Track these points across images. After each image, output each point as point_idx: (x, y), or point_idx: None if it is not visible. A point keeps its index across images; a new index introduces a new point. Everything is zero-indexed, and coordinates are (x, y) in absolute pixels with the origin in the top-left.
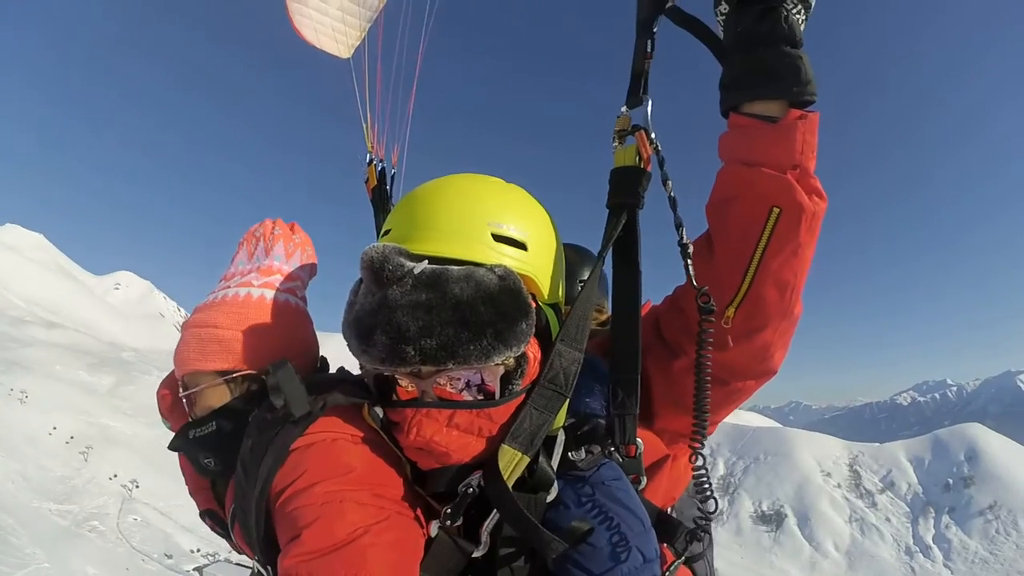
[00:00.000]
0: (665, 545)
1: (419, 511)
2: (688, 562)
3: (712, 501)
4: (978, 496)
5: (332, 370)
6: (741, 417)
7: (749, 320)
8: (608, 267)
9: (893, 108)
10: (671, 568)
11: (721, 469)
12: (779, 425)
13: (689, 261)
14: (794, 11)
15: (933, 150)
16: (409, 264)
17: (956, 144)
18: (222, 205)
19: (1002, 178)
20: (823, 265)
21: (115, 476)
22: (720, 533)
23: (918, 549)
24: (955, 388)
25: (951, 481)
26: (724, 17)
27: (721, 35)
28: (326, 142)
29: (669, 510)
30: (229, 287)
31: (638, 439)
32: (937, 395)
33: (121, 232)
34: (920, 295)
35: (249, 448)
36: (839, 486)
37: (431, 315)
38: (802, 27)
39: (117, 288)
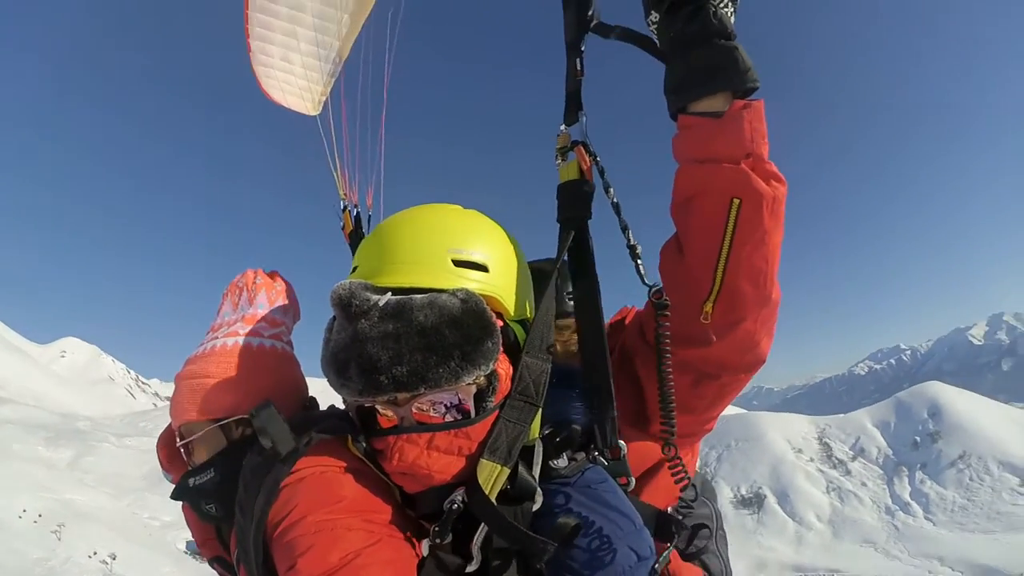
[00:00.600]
0: (669, 544)
1: (410, 533)
2: (697, 556)
3: (691, 489)
4: (947, 449)
5: (323, 407)
6: None
7: (728, 313)
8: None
9: (815, 82)
10: (661, 559)
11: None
12: (745, 411)
13: (639, 262)
14: (721, 6)
15: (863, 118)
16: (374, 297)
17: (886, 109)
18: (166, 261)
19: (931, 143)
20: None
21: (94, 554)
22: None
23: (898, 507)
24: (909, 352)
25: (918, 439)
26: (656, 25)
27: (658, 44)
28: (300, 185)
29: (670, 509)
30: (217, 337)
31: (620, 442)
32: (892, 361)
33: (62, 297)
34: (865, 267)
35: (244, 490)
36: (812, 460)
37: (399, 344)
38: (732, 19)
39: (63, 356)
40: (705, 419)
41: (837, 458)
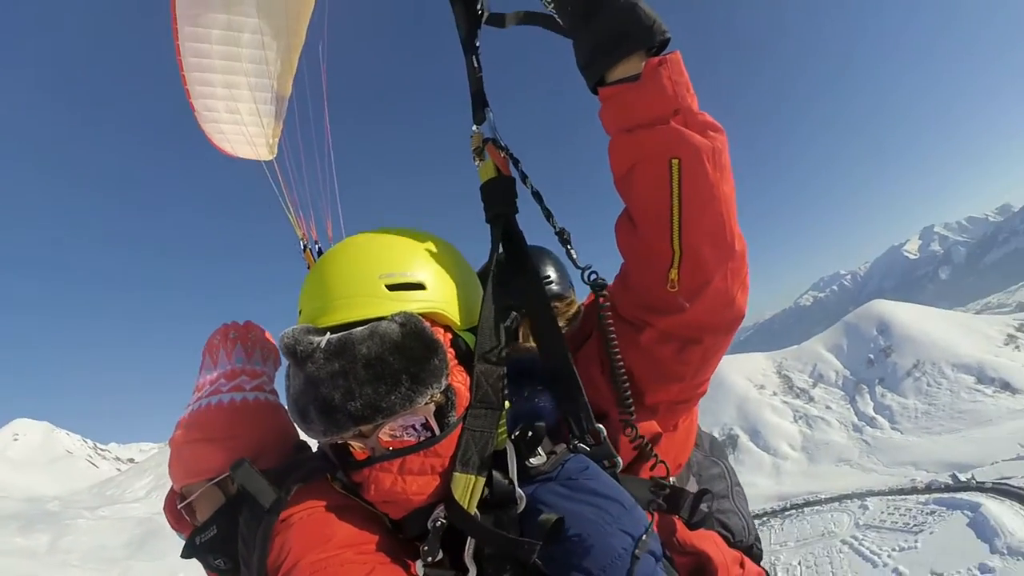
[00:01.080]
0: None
1: (404, 557)
2: (705, 520)
3: (661, 466)
4: (901, 360)
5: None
6: None
7: (695, 276)
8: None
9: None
10: (647, 528)
11: None
12: None
13: (569, 247)
14: None
15: (771, 38)
16: (316, 339)
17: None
18: (104, 316)
19: (837, 62)
20: None
21: None
22: None
23: (864, 423)
24: (849, 276)
25: (872, 356)
26: (553, 5)
27: (560, 23)
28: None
29: (673, 480)
30: (201, 399)
31: (598, 425)
32: (835, 287)
33: (2, 379)
34: (794, 198)
35: (243, 545)
36: (775, 394)
37: (348, 380)
38: None
39: (16, 439)
40: (696, 384)
41: (799, 387)
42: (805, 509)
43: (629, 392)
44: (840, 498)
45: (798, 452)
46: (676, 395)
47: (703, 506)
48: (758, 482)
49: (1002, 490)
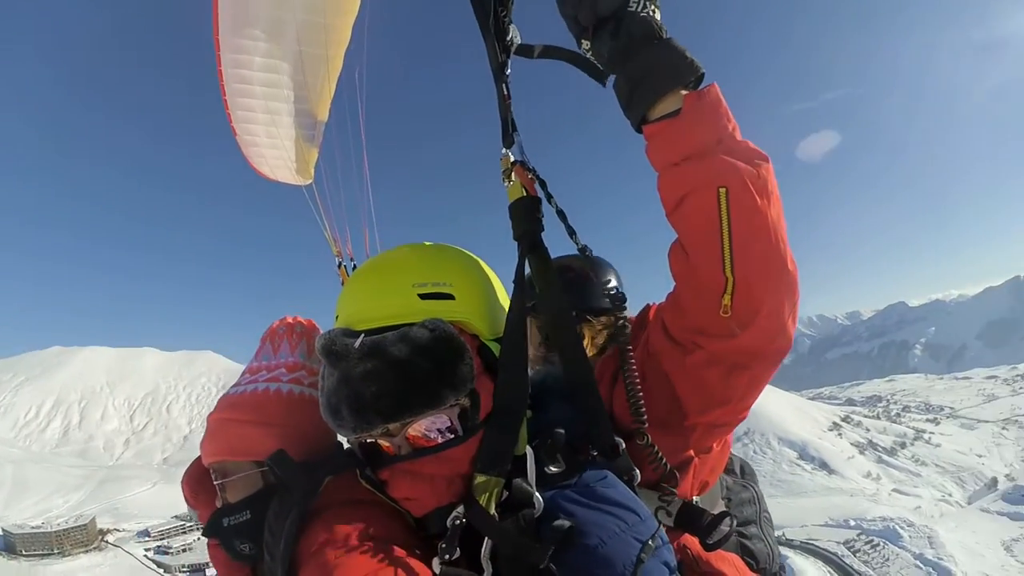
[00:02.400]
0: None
1: (423, 554)
2: (722, 541)
3: (731, 474)
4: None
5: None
6: None
7: (748, 303)
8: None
9: None
10: (660, 537)
11: None
12: None
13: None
14: (642, 11)
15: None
16: (351, 341)
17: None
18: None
19: None
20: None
21: None
22: None
23: None
24: None
25: None
26: (590, 51)
27: (600, 68)
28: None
29: (695, 499)
30: (257, 382)
31: (617, 439)
32: None
33: None
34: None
35: (269, 533)
36: None
37: (379, 379)
38: (657, 16)
39: None
40: (739, 409)
41: None
42: None
43: (643, 406)
44: None
45: None
46: (717, 418)
47: (722, 527)
48: None
49: (809, 549)
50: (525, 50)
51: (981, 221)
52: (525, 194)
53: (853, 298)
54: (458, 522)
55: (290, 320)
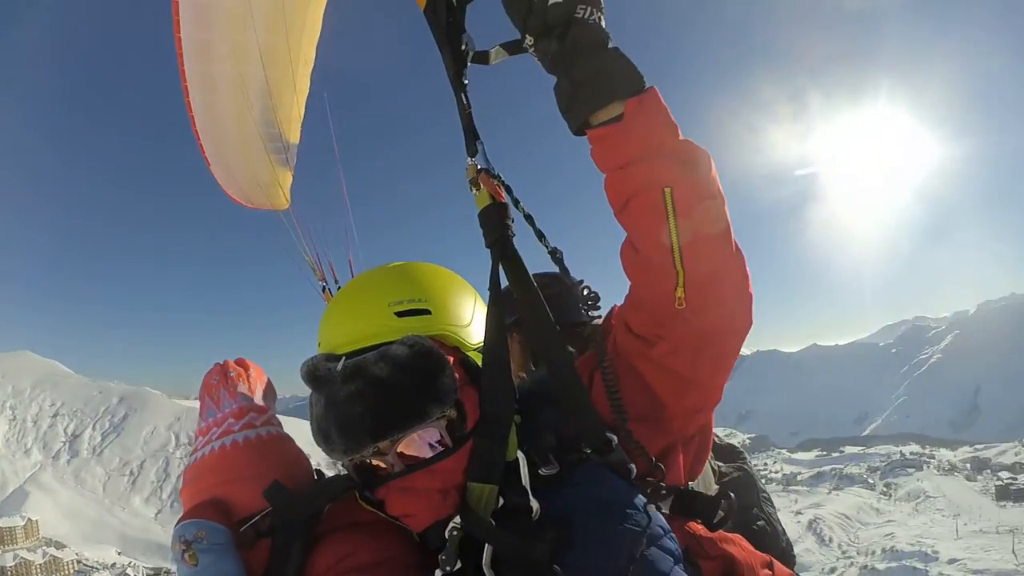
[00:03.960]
0: (693, 520)
1: (428, 569)
2: (725, 520)
3: (659, 468)
4: None
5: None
6: None
7: (700, 292)
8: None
9: None
10: (654, 524)
11: None
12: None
13: (564, 264)
14: (589, 17)
15: None
16: (334, 365)
17: None
18: None
19: None
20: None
21: None
22: None
23: None
24: None
25: None
26: (533, 49)
27: (541, 65)
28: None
29: (691, 484)
30: (211, 441)
31: (608, 434)
32: None
33: None
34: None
35: (276, 564)
36: None
37: (364, 400)
38: (602, 24)
39: None
40: (711, 389)
41: None
42: None
43: (622, 402)
44: None
45: None
46: (693, 403)
47: (721, 508)
48: None
49: None
50: (481, 57)
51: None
52: (492, 201)
53: None
54: (455, 532)
55: (219, 366)
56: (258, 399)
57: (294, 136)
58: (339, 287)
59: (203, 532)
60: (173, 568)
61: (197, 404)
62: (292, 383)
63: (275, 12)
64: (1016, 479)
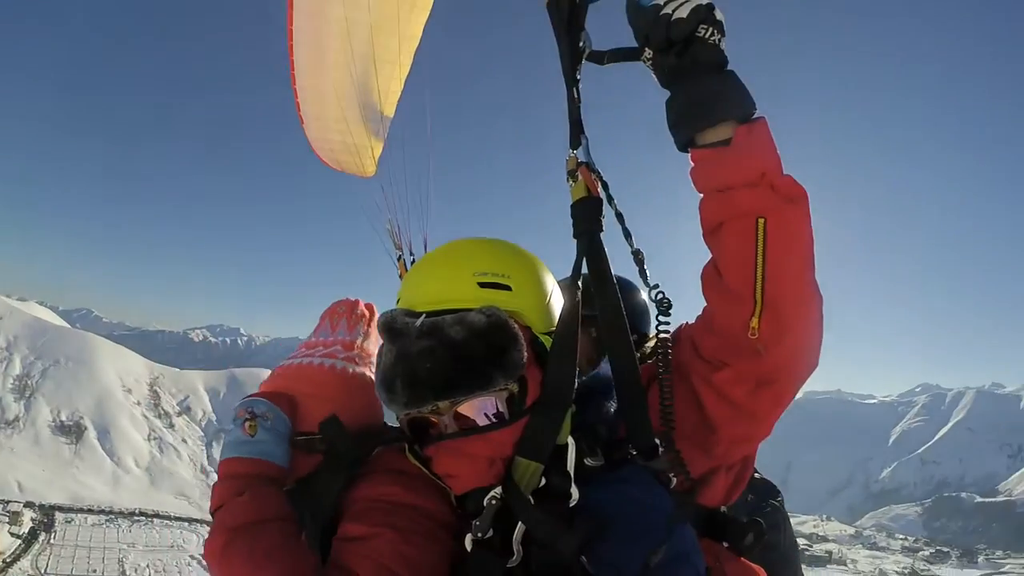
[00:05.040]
0: (721, 542)
1: (457, 530)
2: (755, 543)
3: (709, 494)
4: None
5: None
6: (35, 310)
7: (774, 325)
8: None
9: None
10: (687, 538)
11: (17, 368)
12: (80, 329)
13: (644, 267)
14: (710, 37)
15: None
16: (412, 320)
17: None
18: None
19: None
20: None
21: None
22: (17, 441)
23: (212, 469)
24: (246, 339)
25: None
26: (651, 62)
27: (656, 80)
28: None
29: (724, 508)
30: (313, 356)
31: (655, 440)
32: (228, 340)
33: None
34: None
35: (313, 493)
36: (139, 403)
37: (435, 357)
38: (722, 46)
39: None
40: (764, 424)
41: (164, 409)
42: (154, 520)
43: (673, 413)
44: (188, 520)
45: (141, 471)
46: (742, 434)
47: (751, 535)
48: (94, 485)
49: None
50: (596, 56)
51: None
52: (588, 194)
53: None
54: (494, 502)
55: (352, 301)
56: (369, 343)
57: (389, 110)
58: (413, 257)
59: (271, 414)
60: None
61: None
62: None
63: None
64: (811, 547)
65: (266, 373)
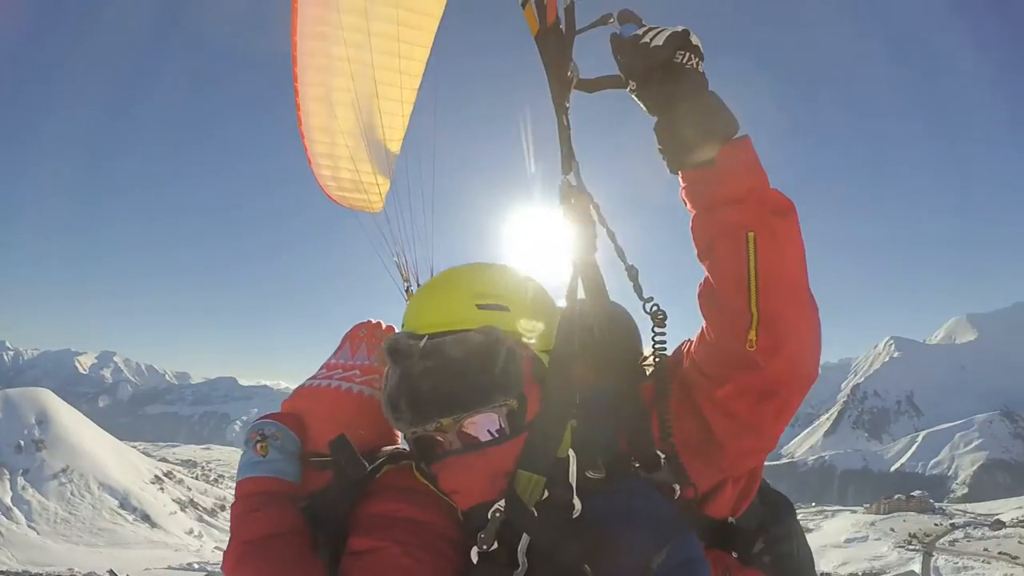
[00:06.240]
0: (727, 552)
1: (462, 546)
2: (765, 551)
3: (758, 507)
4: (50, 460)
5: None
6: None
7: (772, 336)
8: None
9: None
10: (692, 547)
11: None
12: None
13: (638, 282)
14: (687, 62)
15: None
16: (414, 342)
17: None
18: None
19: None
20: None
21: None
22: None
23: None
24: (12, 353)
25: (23, 443)
26: (635, 92)
27: (642, 108)
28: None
29: (731, 519)
30: (332, 379)
31: (658, 452)
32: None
33: None
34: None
35: (322, 507)
36: None
37: (436, 376)
38: (700, 69)
39: None
40: (768, 437)
41: None
42: None
43: (671, 427)
44: None
45: None
46: (747, 447)
47: (759, 543)
48: None
49: None
50: (585, 84)
51: None
52: (580, 218)
53: (185, 358)
54: (498, 515)
55: (373, 324)
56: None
57: (395, 144)
58: (418, 286)
59: (280, 434)
60: None
61: None
62: None
63: (389, 27)
64: None
65: (43, 393)
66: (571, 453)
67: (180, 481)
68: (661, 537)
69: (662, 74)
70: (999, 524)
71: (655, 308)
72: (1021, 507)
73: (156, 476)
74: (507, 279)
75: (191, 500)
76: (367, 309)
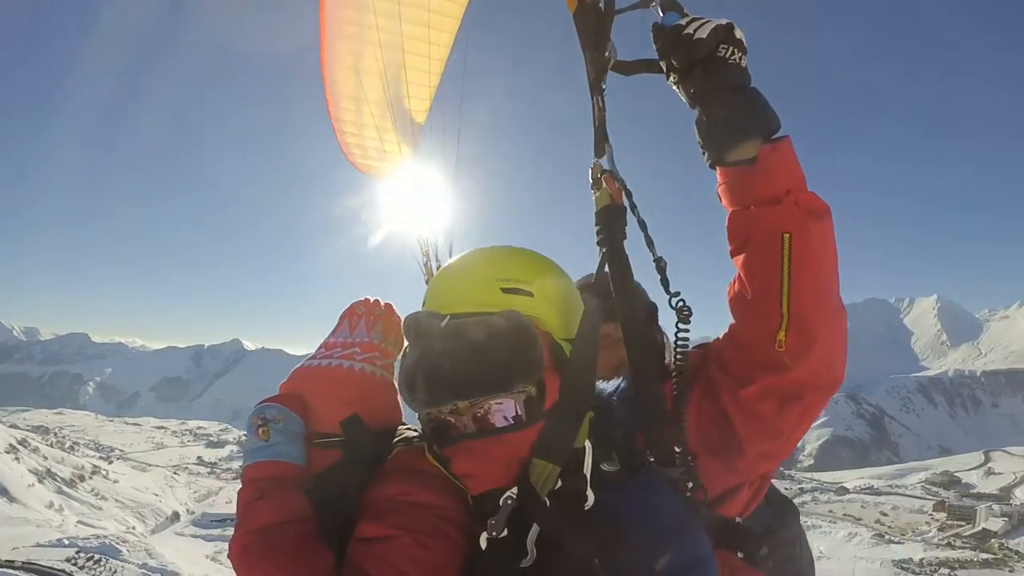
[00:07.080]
0: (735, 552)
1: (472, 531)
2: (770, 555)
3: (766, 510)
4: None
5: None
6: None
7: (801, 339)
8: None
9: None
10: (702, 546)
11: None
12: None
13: (665, 275)
14: (731, 57)
15: None
16: (436, 322)
17: None
18: None
19: None
20: None
21: None
22: None
23: None
24: None
25: None
26: (676, 84)
27: (683, 100)
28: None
29: (738, 519)
30: (332, 357)
31: (675, 448)
32: None
33: None
34: None
35: (333, 487)
36: None
37: (456, 358)
38: (744, 65)
39: None
40: (789, 440)
41: None
42: None
43: (684, 425)
44: None
45: None
46: (768, 449)
47: (765, 548)
48: None
49: (33, 569)
50: (621, 67)
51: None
52: (611, 202)
53: (34, 312)
54: (509, 502)
55: (371, 301)
56: (388, 344)
57: (420, 118)
58: (437, 264)
59: (282, 416)
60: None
61: None
62: None
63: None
64: None
65: None
66: (587, 444)
67: (35, 449)
68: (672, 534)
69: (704, 67)
70: (843, 490)
71: (681, 303)
72: (863, 477)
73: (11, 444)
74: (533, 264)
75: (48, 470)
76: (229, 258)
